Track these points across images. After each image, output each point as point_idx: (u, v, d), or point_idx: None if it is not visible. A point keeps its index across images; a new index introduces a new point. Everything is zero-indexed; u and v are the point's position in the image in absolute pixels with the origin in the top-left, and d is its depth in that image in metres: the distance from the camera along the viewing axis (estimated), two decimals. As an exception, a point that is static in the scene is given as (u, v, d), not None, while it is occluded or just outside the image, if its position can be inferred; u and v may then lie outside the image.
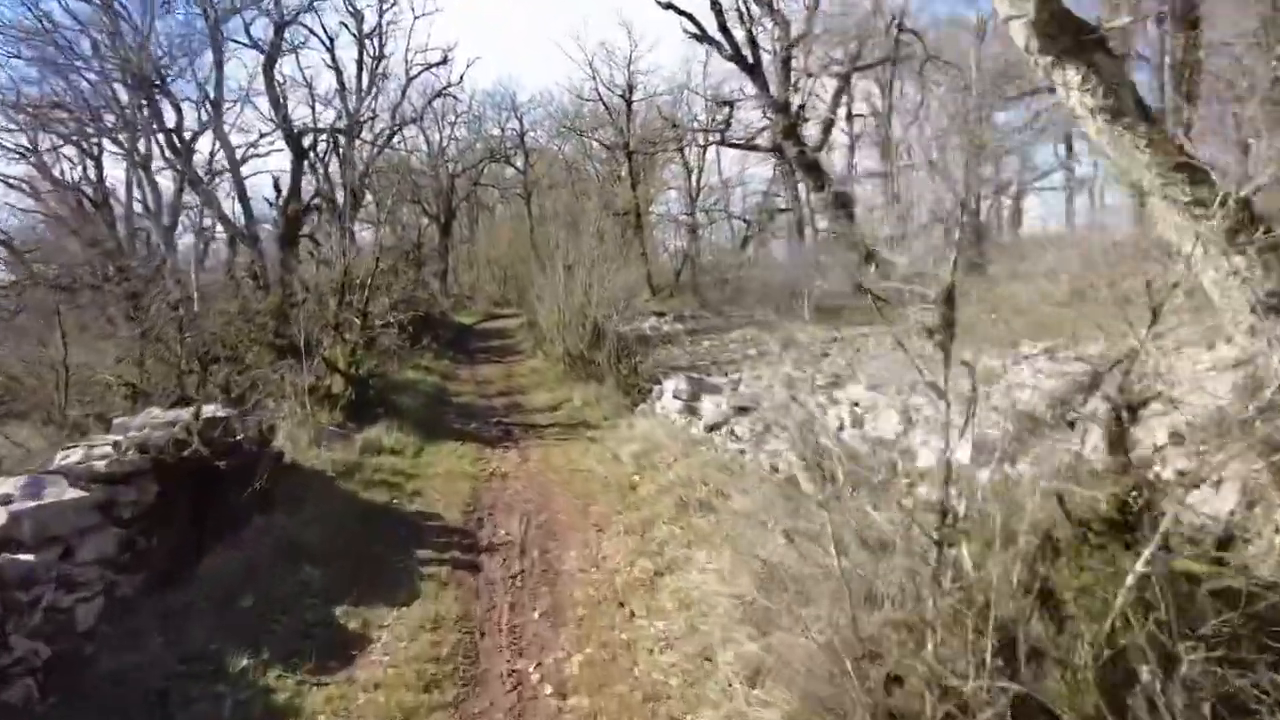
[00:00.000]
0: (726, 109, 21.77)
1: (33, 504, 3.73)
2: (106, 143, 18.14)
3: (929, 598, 2.60)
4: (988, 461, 2.74)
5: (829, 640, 2.90)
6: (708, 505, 5.41)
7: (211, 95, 17.91)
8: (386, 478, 7.10)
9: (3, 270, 16.61)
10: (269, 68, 18.95)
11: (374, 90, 21.80)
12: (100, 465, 4.30)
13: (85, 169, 19.26)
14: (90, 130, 17.54)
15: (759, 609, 3.49)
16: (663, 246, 26.43)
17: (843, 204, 18.44)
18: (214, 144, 19.25)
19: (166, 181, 19.19)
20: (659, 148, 23.96)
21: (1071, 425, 2.51)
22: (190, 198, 19.52)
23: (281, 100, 19.57)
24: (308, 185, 20.33)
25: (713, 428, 7.86)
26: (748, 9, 18.81)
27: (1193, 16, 10.83)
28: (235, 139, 19.57)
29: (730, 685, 3.23)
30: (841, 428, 6.32)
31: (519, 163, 32.76)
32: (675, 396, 9.09)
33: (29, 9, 16.01)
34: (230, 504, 5.16)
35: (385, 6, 21.41)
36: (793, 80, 19.26)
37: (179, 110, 18.11)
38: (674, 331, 15.64)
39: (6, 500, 3.74)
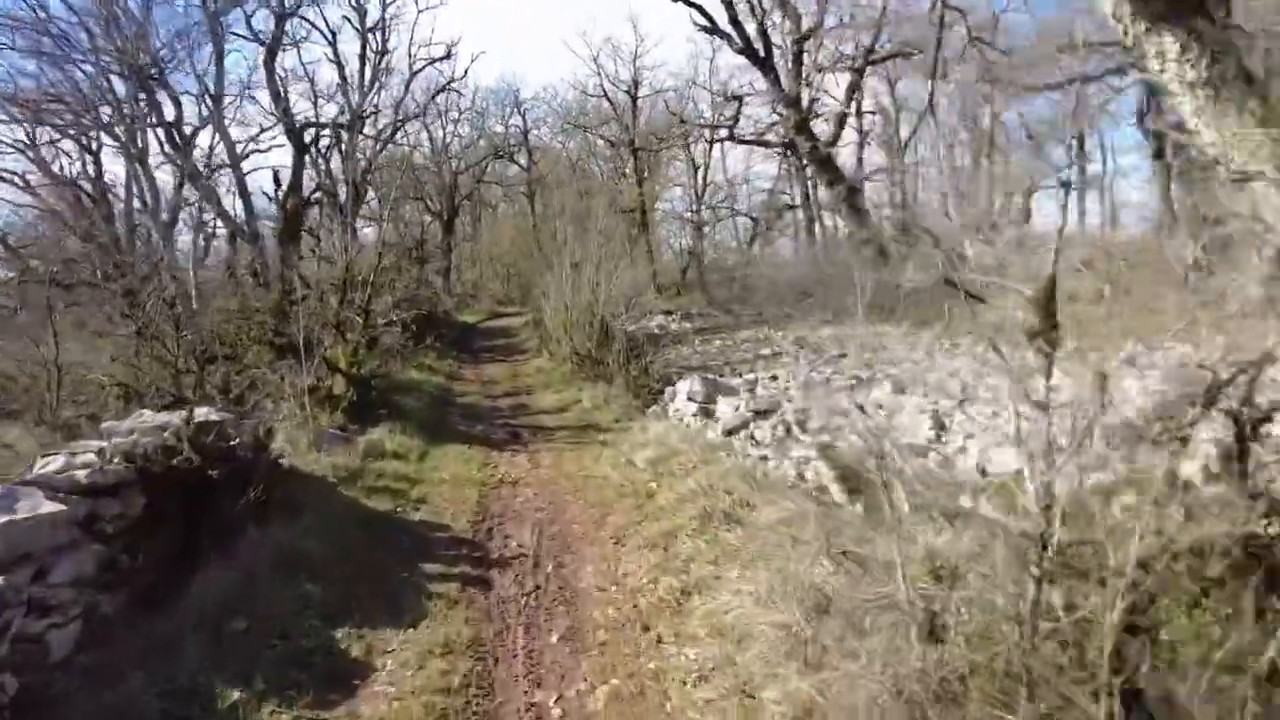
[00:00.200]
0: (735, 104, 21.40)
1: (3, 519, 3.38)
2: (105, 137, 17.83)
3: (1019, 639, 2.26)
4: (1082, 481, 2.39)
5: (896, 681, 2.56)
6: (733, 517, 5.06)
7: (211, 88, 17.62)
8: (390, 484, 6.76)
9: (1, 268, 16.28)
10: (270, 61, 18.65)
11: (377, 85, 21.49)
12: (81, 475, 3.95)
13: (84, 164, 18.95)
14: (88, 123, 17.19)
15: (806, 639, 3.14)
16: (665, 244, 26.12)
17: (853, 203, 18.09)
18: (214, 138, 18.96)
19: (166, 176, 18.92)
20: (666, 143, 23.60)
21: (1184, 442, 2.14)
22: (190, 193, 19.18)
23: (283, 94, 19.27)
24: (309, 180, 20.03)
25: (731, 431, 7.52)
26: (759, 2, 18.44)
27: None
28: (235, 133, 19.29)
29: (778, 728, 2.88)
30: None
31: (522, 160, 32.47)
32: (689, 398, 8.76)
33: (23, -2, 15.67)
34: (224, 514, 4.80)
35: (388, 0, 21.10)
36: (804, 75, 18.89)
37: (178, 104, 17.84)
38: (682, 330, 15.32)
39: (-26, 514, 3.40)
